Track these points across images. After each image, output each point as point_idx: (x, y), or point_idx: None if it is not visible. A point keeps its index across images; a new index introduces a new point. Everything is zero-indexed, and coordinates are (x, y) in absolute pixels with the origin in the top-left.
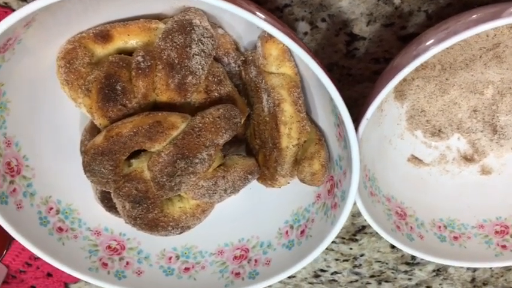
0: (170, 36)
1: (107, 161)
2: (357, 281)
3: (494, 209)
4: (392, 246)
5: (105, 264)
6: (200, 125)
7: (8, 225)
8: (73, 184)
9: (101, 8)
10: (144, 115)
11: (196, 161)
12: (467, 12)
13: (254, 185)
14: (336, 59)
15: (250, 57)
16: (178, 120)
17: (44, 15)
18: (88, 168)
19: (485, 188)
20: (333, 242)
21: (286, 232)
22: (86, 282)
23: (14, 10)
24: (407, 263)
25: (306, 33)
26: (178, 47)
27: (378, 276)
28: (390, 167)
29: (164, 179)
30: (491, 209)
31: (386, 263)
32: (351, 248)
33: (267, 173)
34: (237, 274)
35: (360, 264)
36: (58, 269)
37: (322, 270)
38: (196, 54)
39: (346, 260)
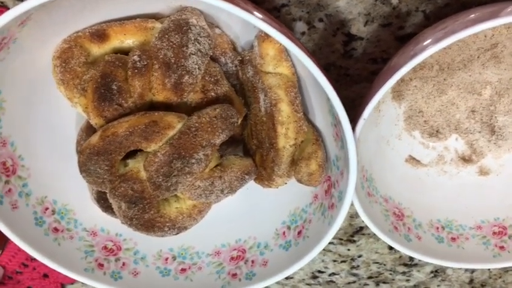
0: (167, 36)
1: (103, 160)
2: (354, 282)
3: (492, 210)
4: (390, 248)
5: (101, 265)
6: (197, 124)
7: (3, 226)
8: (69, 184)
9: (97, 7)
10: (140, 115)
11: (193, 161)
12: (465, 12)
13: (251, 185)
14: (333, 59)
15: (247, 57)
16: (174, 120)
17: (40, 14)
18: (84, 168)
19: (483, 189)
20: (330, 243)
21: (284, 233)
22: (82, 283)
23: (9, 9)
24: (405, 264)
25: (303, 33)
26: (174, 46)
27: (376, 277)
28: (388, 168)
29: (160, 179)
30: (489, 210)
31: (384, 264)
32: (348, 249)
33: (264, 173)
34: (234, 275)
35: (358, 266)
36: (54, 270)
37: (319, 272)
38: (192, 54)
39: (344, 261)
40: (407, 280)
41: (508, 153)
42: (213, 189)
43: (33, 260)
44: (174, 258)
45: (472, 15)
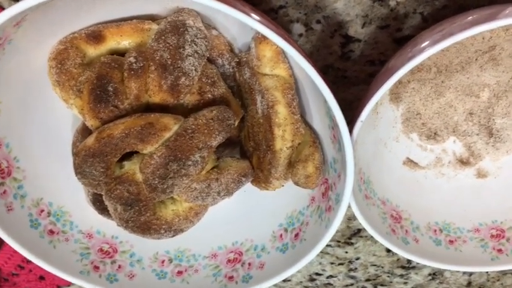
0: (163, 37)
1: (98, 162)
2: (352, 284)
3: (490, 213)
4: (388, 250)
5: (96, 268)
6: (193, 126)
7: None
8: (65, 186)
9: (94, 8)
10: (136, 116)
11: (189, 163)
12: (463, 14)
13: (248, 187)
14: (331, 61)
15: (244, 59)
16: (170, 122)
17: (35, 15)
18: (79, 170)
19: (481, 192)
20: (328, 245)
21: (281, 235)
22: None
23: (4, 9)
24: (403, 267)
25: (300, 35)
26: (171, 48)
27: (374, 280)
28: (385, 170)
29: (156, 181)
30: (487, 212)
31: (382, 267)
32: (346, 252)
33: (261, 175)
34: (231, 278)
35: (356, 268)
36: (51, 272)
37: (317, 274)
38: (189, 55)
39: (342, 264)
40: (405, 283)
41: (506, 156)
42: (210, 192)
43: (30, 262)
44: (170, 260)
45: (470, 18)
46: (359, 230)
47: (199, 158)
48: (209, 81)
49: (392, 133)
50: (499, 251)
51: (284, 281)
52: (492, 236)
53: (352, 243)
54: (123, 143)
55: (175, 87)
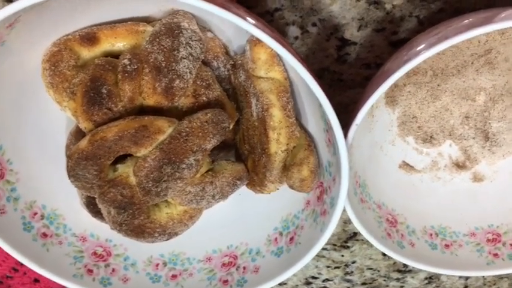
0: (158, 39)
1: (91, 165)
2: None
3: (486, 217)
4: (384, 254)
5: (90, 271)
6: (187, 129)
7: None
8: (58, 189)
9: (88, 9)
10: (130, 119)
11: (183, 166)
12: (459, 18)
13: (243, 191)
14: (327, 64)
15: (239, 61)
16: (165, 125)
17: (29, 16)
18: (72, 173)
19: (477, 196)
20: (324, 248)
21: (276, 239)
22: None
23: None
24: (399, 271)
25: (296, 38)
26: (165, 50)
27: (370, 283)
28: (381, 174)
29: (150, 185)
30: (483, 216)
31: (378, 271)
32: (342, 255)
33: (256, 178)
34: (225, 282)
35: (352, 272)
36: None
37: (313, 278)
38: (184, 58)
39: (338, 267)
40: (402, 286)
41: (502, 160)
42: (204, 195)
43: (24, 264)
44: (164, 264)
45: (466, 21)
46: (355, 234)
47: (193, 161)
48: (204, 83)
49: (388, 136)
50: (495, 255)
51: (280, 284)
52: (488, 240)
53: (348, 247)
54: (116, 146)
55: (170, 90)
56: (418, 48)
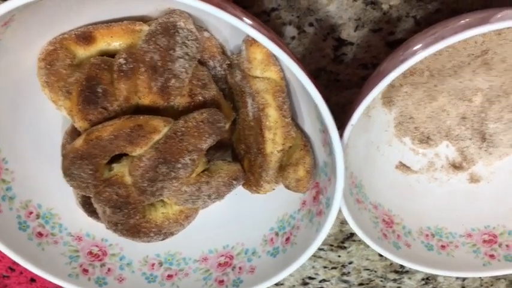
0: (153, 39)
1: (87, 165)
2: None
3: (483, 218)
4: (381, 254)
5: (85, 271)
6: (183, 129)
7: None
8: (54, 188)
9: (84, 8)
10: (126, 118)
11: (179, 166)
12: (456, 18)
13: (239, 191)
14: (323, 64)
15: (236, 61)
16: (160, 124)
17: (24, 15)
18: (67, 173)
19: (474, 197)
20: (321, 249)
21: (271, 239)
22: None
23: None
24: (396, 271)
25: (293, 38)
26: (161, 49)
27: (367, 284)
28: (378, 174)
29: (145, 184)
30: (480, 217)
31: (375, 271)
32: (339, 256)
33: (252, 178)
34: (221, 282)
35: (349, 272)
36: None
37: (310, 278)
38: (180, 57)
39: (335, 268)
40: (398, 287)
41: (498, 161)
42: (200, 195)
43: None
44: (160, 264)
45: (462, 21)
46: (352, 234)
47: (189, 160)
48: (200, 83)
49: (385, 137)
50: (491, 256)
51: (277, 284)
52: (484, 241)
53: (345, 247)
54: (111, 145)
55: (165, 89)
56: (415, 48)
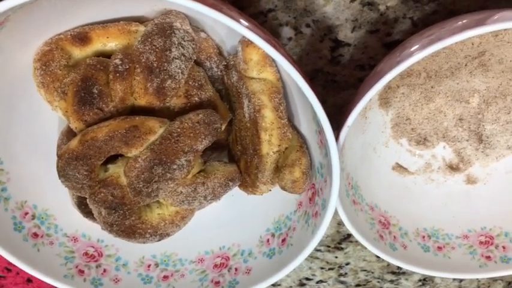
0: (149, 39)
1: (82, 165)
2: None
3: (479, 219)
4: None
5: (81, 272)
6: (179, 130)
7: None
8: (50, 189)
9: (80, 9)
10: (121, 119)
11: (174, 167)
12: (452, 19)
13: (236, 191)
14: (320, 65)
15: (232, 62)
16: (156, 125)
17: (20, 15)
18: (62, 173)
19: (471, 198)
20: (318, 250)
21: (268, 240)
22: None
23: None
24: (393, 272)
25: (290, 39)
26: (157, 50)
27: (364, 285)
28: (374, 175)
29: (141, 185)
30: (476, 219)
31: (372, 272)
32: (336, 257)
33: (248, 179)
34: (217, 283)
35: (346, 273)
36: None
37: (307, 279)
38: (176, 58)
39: (332, 269)
40: None
41: (495, 162)
42: (196, 196)
43: None
44: (156, 265)
45: (459, 23)
46: (349, 235)
47: (184, 161)
48: (196, 84)
49: (382, 138)
50: (488, 258)
51: (273, 285)
52: (481, 242)
53: (342, 248)
54: (107, 146)
55: (161, 90)
56: (412, 49)
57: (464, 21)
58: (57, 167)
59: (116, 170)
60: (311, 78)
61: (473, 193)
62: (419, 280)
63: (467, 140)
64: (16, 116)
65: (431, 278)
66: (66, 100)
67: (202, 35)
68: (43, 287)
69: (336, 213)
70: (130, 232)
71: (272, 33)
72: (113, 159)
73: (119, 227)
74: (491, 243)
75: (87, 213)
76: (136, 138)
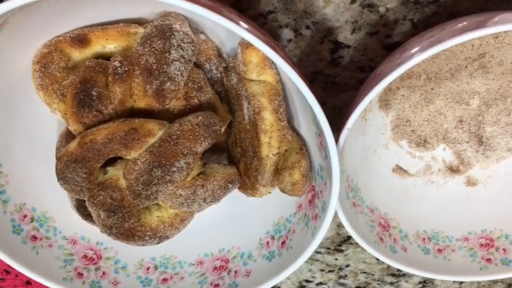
0: (149, 41)
1: (81, 168)
2: None
3: (480, 222)
4: None
5: (80, 274)
6: (178, 132)
7: None
8: (49, 191)
9: (79, 11)
10: (120, 121)
11: (174, 169)
12: (453, 21)
13: (235, 194)
14: (320, 67)
15: (231, 64)
16: (155, 127)
17: (18, 17)
18: (61, 176)
19: (471, 200)
20: (318, 252)
21: (267, 243)
22: None
23: None
24: (393, 275)
25: (290, 41)
26: (156, 52)
27: (364, 287)
28: (374, 178)
29: (140, 188)
30: (477, 221)
31: (372, 274)
32: (336, 259)
33: (247, 182)
34: (217, 286)
35: (346, 275)
36: None
37: (307, 281)
38: (175, 60)
39: (332, 271)
40: None
41: (495, 164)
42: (195, 198)
43: None
44: (155, 267)
45: (459, 25)
46: (349, 237)
47: (184, 164)
48: (195, 86)
49: (382, 140)
50: (488, 260)
51: (273, 287)
52: (481, 245)
53: (342, 250)
54: (106, 149)
55: (161, 92)
56: (412, 51)
57: (464, 23)
58: (56, 169)
59: (115, 172)
60: (311, 80)
61: (474, 195)
62: (420, 282)
63: (467, 142)
64: (15, 118)
65: (432, 280)
66: (65, 102)
67: (202, 37)
68: None
69: (335, 215)
70: (129, 235)
71: (272, 35)
72: (112, 161)
73: (118, 229)
74: (492, 246)
75: (86, 215)
76: (136, 140)
